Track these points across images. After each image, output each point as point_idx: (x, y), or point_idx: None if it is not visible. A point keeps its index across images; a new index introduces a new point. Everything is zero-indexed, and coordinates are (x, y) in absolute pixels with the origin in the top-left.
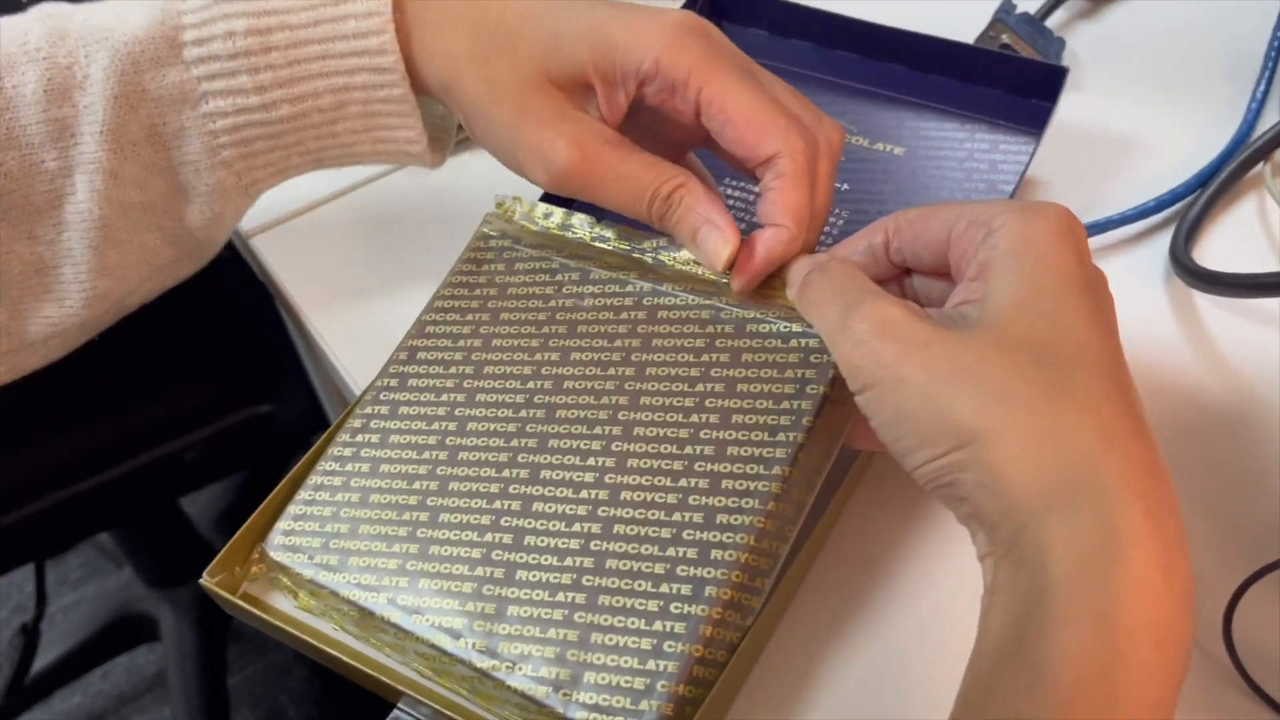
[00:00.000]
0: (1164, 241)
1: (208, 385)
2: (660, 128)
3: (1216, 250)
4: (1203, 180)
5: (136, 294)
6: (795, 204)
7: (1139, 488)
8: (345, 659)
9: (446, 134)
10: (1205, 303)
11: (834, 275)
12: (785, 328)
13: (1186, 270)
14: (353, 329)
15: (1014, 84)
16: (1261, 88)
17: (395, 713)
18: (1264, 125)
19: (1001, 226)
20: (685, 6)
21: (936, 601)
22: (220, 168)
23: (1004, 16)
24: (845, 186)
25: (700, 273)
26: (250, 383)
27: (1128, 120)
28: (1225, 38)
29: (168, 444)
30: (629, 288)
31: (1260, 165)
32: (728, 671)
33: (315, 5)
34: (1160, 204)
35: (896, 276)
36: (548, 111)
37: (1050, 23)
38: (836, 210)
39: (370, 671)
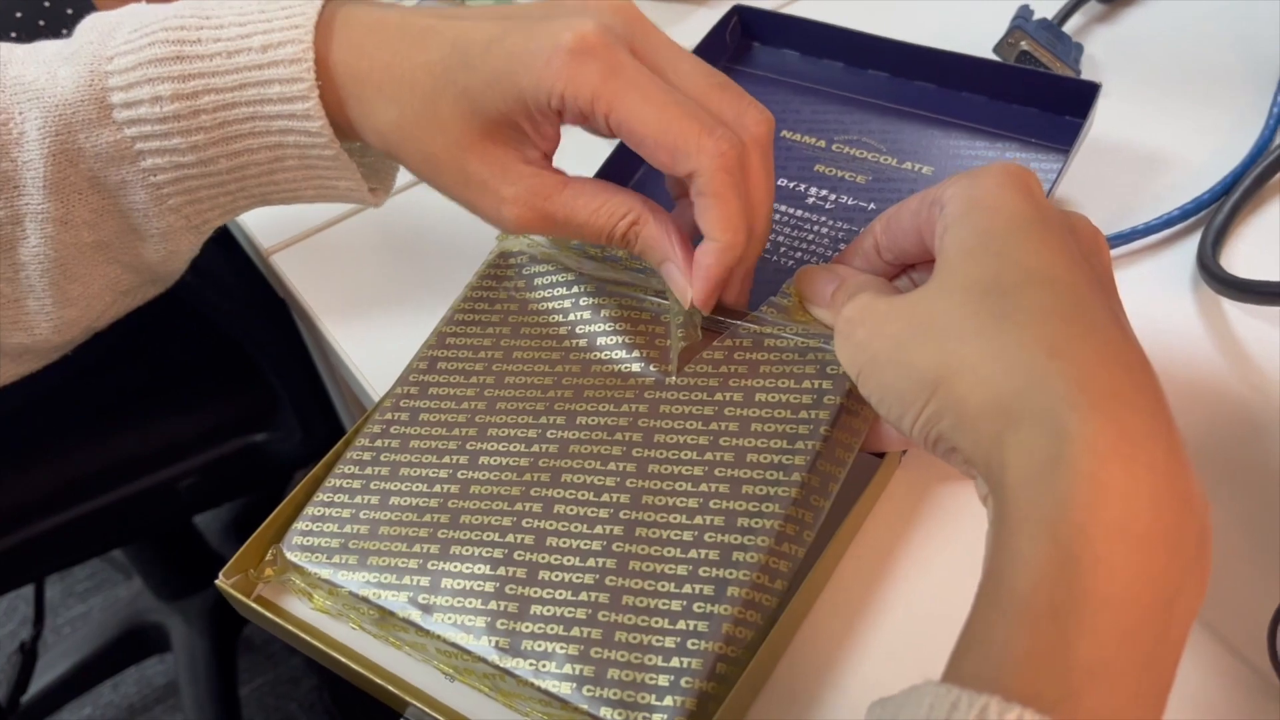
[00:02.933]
0: (1190, 248)
1: (202, 414)
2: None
3: (1244, 256)
4: (1227, 187)
5: (105, 316)
6: (722, 216)
7: (1091, 385)
8: (353, 665)
9: (388, 177)
10: (1234, 309)
11: (842, 293)
12: (801, 342)
13: (1215, 278)
14: (373, 342)
15: (1045, 100)
16: None
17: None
18: None
19: (951, 196)
20: (717, 27)
21: (958, 606)
22: (169, 213)
23: (1022, 23)
24: (872, 206)
25: None
26: (245, 412)
27: (1147, 125)
28: (1244, 41)
29: (163, 471)
30: (646, 303)
31: None
32: (749, 669)
33: (239, 69)
34: (1185, 212)
35: (898, 275)
36: (486, 174)
37: (1067, 27)
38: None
39: (378, 680)
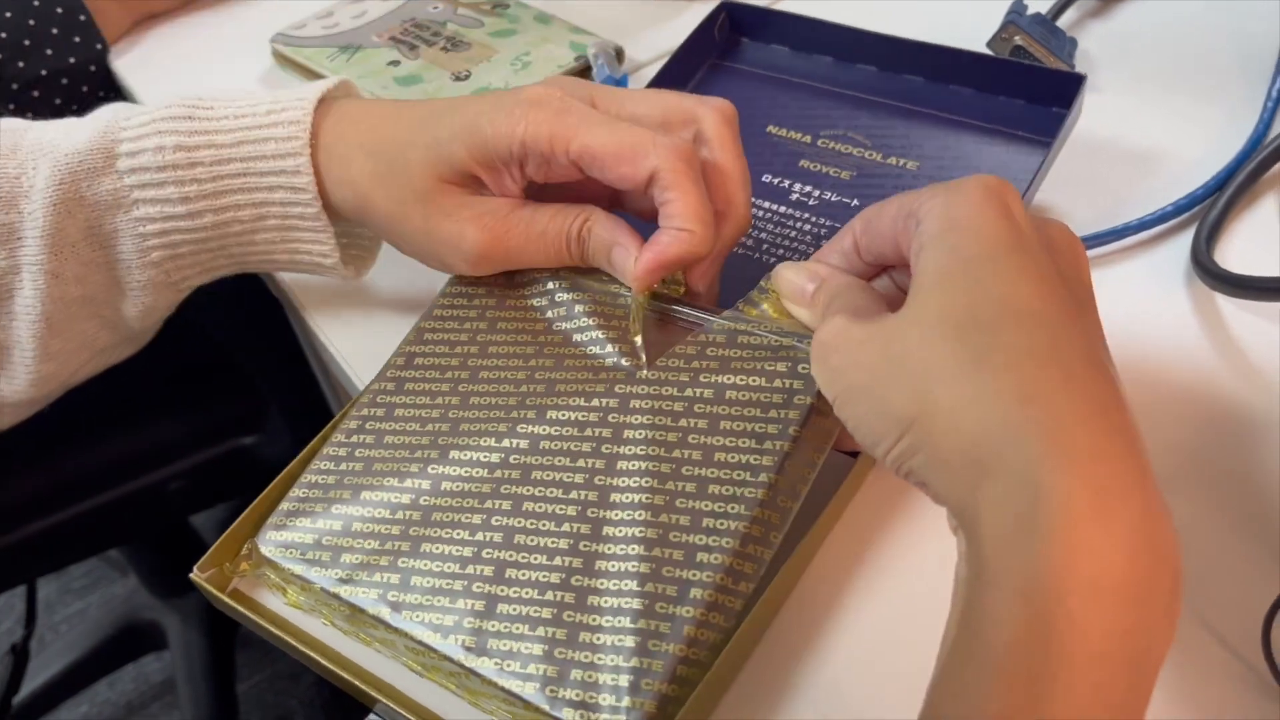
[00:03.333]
0: (1184, 244)
1: (191, 417)
2: (570, 198)
3: (1237, 251)
4: (1221, 182)
5: (79, 374)
6: (688, 207)
7: (1065, 439)
8: (324, 661)
9: (370, 253)
10: (1228, 305)
11: (823, 293)
12: (775, 340)
13: (1209, 273)
14: (365, 339)
15: (1032, 92)
16: (1277, 85)
17: (370, 718)
18: None
19: (928, 212)
20: (705, 23)
21: (928, 611)
22: (150, 267)
23: (1016, 18)
24: (856, 203)
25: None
26: (233, 415)
27: (1142, 120)
28: (1238, 35)
29: (152, 474)
30: (620, 299)
31: (1278, 165)
32: (713, 672)
33: (240, 129)
34: (1179, 208)
35: (877, 274)
36: (449, 206)
37: (1061, 22)
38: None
39: (347, 676)
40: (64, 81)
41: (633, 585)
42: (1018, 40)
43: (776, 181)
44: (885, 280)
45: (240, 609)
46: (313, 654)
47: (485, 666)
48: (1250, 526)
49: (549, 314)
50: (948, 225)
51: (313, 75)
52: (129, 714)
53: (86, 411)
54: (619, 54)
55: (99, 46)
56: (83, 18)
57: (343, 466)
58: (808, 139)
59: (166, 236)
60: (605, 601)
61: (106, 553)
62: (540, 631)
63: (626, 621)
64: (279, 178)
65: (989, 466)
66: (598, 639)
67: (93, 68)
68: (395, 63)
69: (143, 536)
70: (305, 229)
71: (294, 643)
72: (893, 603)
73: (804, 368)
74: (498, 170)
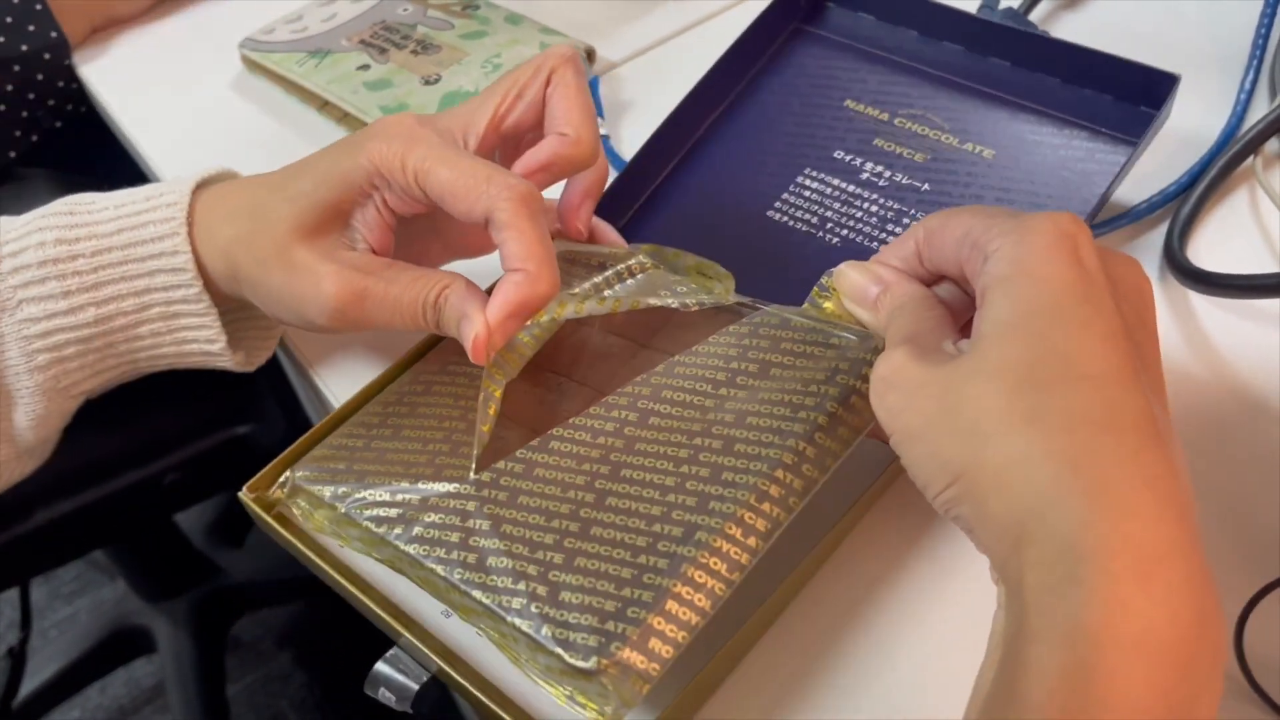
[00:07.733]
0: (1156, 239)
1: (184, 408)
2: (453, 240)
3: (1209, 247)
4: (1193, 178)
5: None
6: (523, 246)
7: (1107, 505)
8: (353, 589)
9: (266, 340)
10: (1202, 303)
11: (887, 299)
12: (827, 327)
13: (1183, 271)
14: (333, 344)
15: (1119, 88)
16: (1249, 78)
17: (394, 650)
18: (1252, 117)
19: (996, 250)
20: None
21: (936, 625)
22: (37, 372)
23: (988, 13)
24: (926, 187)
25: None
26: (228, 404)
27: None
28: (1210, 28)
29: (146, 467)
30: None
31: (1250, 159)
32: (726, 648)
33: (120, 216)
34: (1152, 205)
35: (937, 282)
36: (310, 260)
37: (1034, 16)
38: (913, 212)
39: (375, 607)
40: (16, 69)
41: (639, 524)
42: None
43: (848, 159)
44: (949, 286)
45: (280, 530)
46: (343, 580)
47: (476, 585)
48: (1223, 526)
49: (597, 279)
50: (1015, 270)
51: (283, 81)
52: (121, 718)
53: (78, 409)
54: (590, 55)
55: (54, 35)
56: (39, 7)
57: (390, 409)
58: (885, 116)
59: (50, 338)
60: (609, 534)
61: (95, 557)
62: (539, 555)
63: (626, 555)
64: (158, 260)
65: (1031, 529)
66: (594, 565)
67: (47, 55)
68: (365, 67)
69: (137, 532)
70: (189, 314)
71: (327, 568)
72: (900, 617)
73: (852, 352)
74: (362, 205)
